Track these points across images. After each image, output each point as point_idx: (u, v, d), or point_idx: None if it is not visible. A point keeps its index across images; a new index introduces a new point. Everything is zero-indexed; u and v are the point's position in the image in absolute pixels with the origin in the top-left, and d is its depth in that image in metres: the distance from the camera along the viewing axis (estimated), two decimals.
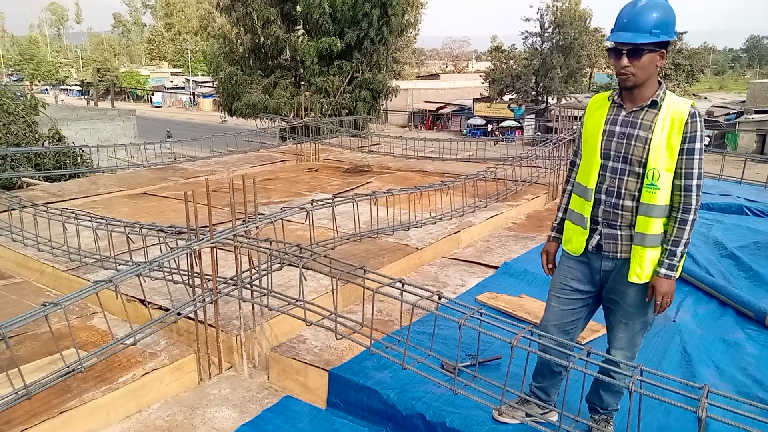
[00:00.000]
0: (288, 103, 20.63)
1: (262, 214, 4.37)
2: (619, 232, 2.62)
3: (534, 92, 42.37)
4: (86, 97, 68.16)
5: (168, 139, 14.46)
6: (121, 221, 4.81)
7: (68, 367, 3.03)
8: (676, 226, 2.51)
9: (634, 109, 2.55)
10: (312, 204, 4.83)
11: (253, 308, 3.82)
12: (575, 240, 2.77)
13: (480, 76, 48.49)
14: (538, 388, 2.96)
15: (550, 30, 40.89)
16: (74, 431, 3.08)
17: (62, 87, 78.19)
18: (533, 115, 41.68)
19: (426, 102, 52.28)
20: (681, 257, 2.54)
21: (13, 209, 5.79)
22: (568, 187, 2.90)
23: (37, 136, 12.20)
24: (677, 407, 2.23)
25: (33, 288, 4.97)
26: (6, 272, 5.34)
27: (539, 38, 41.46)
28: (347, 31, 20.48)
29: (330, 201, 5.05)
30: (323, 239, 5.21)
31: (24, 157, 10.74)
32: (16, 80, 73.41)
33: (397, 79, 32.09)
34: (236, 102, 21.52)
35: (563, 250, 2.88)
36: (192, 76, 72.78)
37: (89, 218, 4.93)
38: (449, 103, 51.10)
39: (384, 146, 12.59)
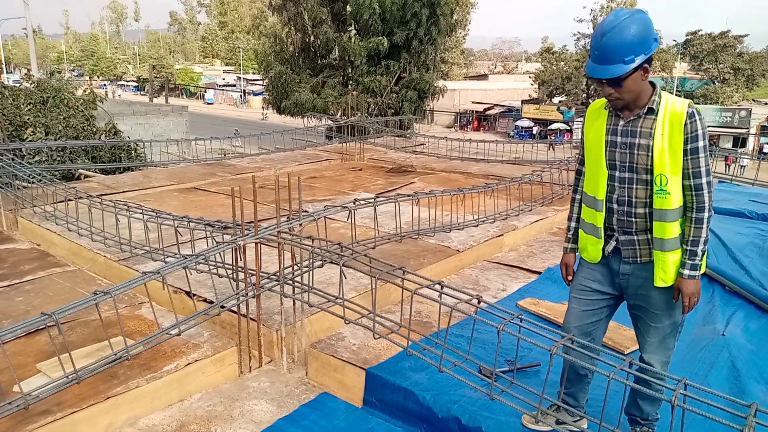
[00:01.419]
0: (335, 102, 20.82)
1: (305, 211, 4.43)
2: (635, 238, 2.61)
3: (584, 94, 41.50)
4: (146, 92, 70.26)
5: (236, 137, 15.00)
6: (170, 215, 4.95)
7: (116, 354, 3.15)
8: (693, 226, 2.48)
9: (632, 117, 2.51)
10: (354, 203, 4.87)
11: (294, 304, 3.88)
12: (591, 249, 2.76)
13: (529, 77, 47.79)
14: (567, 394, 2.92)
15: None
16: (119, 416, 3.19)
17: (119, 83, 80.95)
18: (582, 118, 40.84)
19: (473, 102, 51.85)
20: (702, 255, 2.51)
21: (69, 200, 6.03)
22: (577, 197, 2.88)
23: (94, 129, 12.64)
24: (722, 424, 2.15)
25: (86, 276, 5.17)
26: (61, 260, 5.56)
27: None
28: (396, 31, 20.52)
29: (372, 200, 5.07)
30: (364, 238, 5.24)
31: (82, 150, 11.13)
32: (77, 75, 76.47)
33: (445, 80, 31.95)
34: (285, 100, 21.83)
35: (581, 256, 2.87)
36: (243, 73, 74.27)
37: (140, 211, 5.10)
38: (497, 104, 50.54)
39: (428, 147, 12.56)
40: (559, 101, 43.15)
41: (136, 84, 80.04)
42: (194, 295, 4.21)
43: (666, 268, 2.54)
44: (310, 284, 3.77)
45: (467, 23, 28.81)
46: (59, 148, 10.49)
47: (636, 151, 2.48)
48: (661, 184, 2.45)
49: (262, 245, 3.84)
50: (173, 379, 3.43)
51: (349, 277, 4.42)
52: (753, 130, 36.64)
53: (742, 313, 4.45)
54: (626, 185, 2.55)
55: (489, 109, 50.54)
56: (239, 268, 3.76)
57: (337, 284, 3.62)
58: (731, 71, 40.98)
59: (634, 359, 2.47)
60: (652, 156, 2.45)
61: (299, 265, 3.89)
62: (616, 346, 3.74)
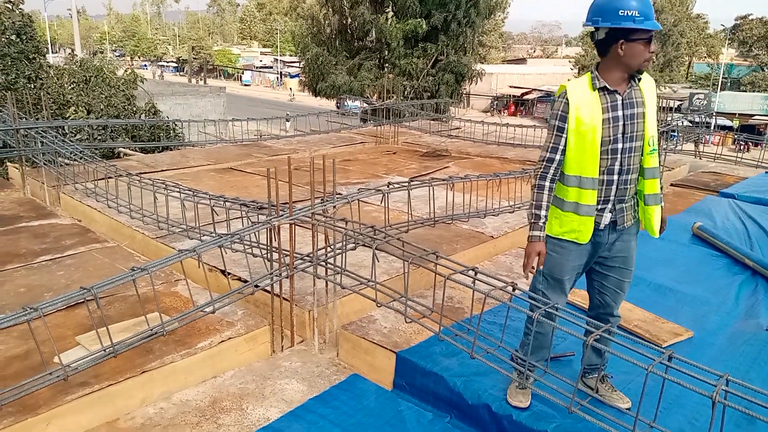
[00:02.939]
0: (371, 85, 20.75)
1: (339, 194, 4.43)
2: (626, 204, 2.79)
3: None
4: (185, 73, 71.15)
5: (287, 121, 15.07)
6: (207, 194, 5.01)
7: (152, 329, 3.21)
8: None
9: (627, 90, 2.69)
10: (388, 186, 4.84)
11: (326, 285, 3.89)
12: (584, 229, 2.76)
13: (569, 62, 46.72)
14: (536, 358, 2.97)
15: None
16: (154, 390, 3.26)
17: (159, 63, 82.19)
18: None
19: (511, 87, 51.01)
20: None
21: (110, 177, 6.16)
22: (549, 184, 2.76)
23: (135, 109, 12.87)
24: (765, 422, 2.07)
25: (124, 253, 5.27)
26: (101, 236, 5.69)
27: None
28: (434, 13, 20.28)
29: (406, 184, 5.04)
30: (397, 222, 5.22)
31: (122, 129, 11.35)
32: (118, 56, 77.92)
33: (482, 63, 31.50)
34: (321, 82, 21.86)
35: (566, 239, 2.79)
36: (280, 55, 74.54)
37: (178, 190, 5.18)
38: (535, 89, 49.62)
39: (464, 131, 12.42)
40: None
41: (176, 65, 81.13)
42: (229, 273, 4.26)
43: (656, 220, 2.79)
44: (343, 266, 3.77)
45: (507, 5, 28.23)
46: (100, 127, 10.71)
47: (636, 120, 2.68)
48: (653, 144, 2.71)
49: (297, 226, 3.85)
50: (207, 355, 3.49)
51: (382, 261, 4.41)
52: None
53: None
54: (629, 154, 2.70)
55: (527, 93, 49.67)
56: (273, 249, 3.79)
57: (370, 267, 3.61)
58: None
59: (674, 352, 2.39)
60: (644, 120, 2.70)
61: (332, 247, 3.89)
62: (653, 339, 3.65)
